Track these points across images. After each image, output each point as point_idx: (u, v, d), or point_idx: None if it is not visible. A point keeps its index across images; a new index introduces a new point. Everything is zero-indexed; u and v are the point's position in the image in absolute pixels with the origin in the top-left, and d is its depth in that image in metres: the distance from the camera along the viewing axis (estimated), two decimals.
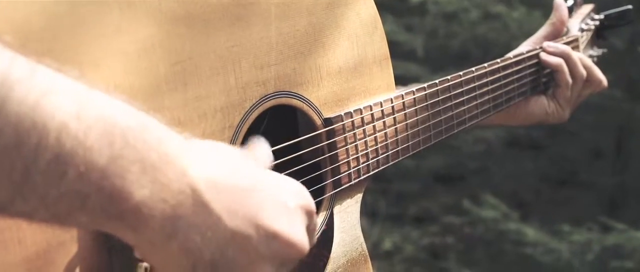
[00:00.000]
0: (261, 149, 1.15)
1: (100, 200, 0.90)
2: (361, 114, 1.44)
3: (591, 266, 4.68)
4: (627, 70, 5.39)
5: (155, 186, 0.93)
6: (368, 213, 5.90)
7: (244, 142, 1.29)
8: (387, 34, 5.41)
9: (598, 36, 2.26)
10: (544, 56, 1.91)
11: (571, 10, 2.16)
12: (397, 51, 5.81)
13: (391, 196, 5.99)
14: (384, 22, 5.11)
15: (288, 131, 1.37)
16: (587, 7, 2.24)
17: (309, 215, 1.08)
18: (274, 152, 1.32)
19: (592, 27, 2.16)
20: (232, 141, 1.25)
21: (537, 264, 4.72)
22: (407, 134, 1.54)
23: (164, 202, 0.94)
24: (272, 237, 1.01)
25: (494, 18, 5.59)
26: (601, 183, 5.50)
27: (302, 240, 1.04)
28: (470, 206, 4.71)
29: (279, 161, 1.32)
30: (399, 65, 5.59)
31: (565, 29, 2.06)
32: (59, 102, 0.88)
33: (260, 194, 1.02)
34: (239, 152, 1.08)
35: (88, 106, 0.90)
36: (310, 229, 1.09)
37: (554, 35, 2.00)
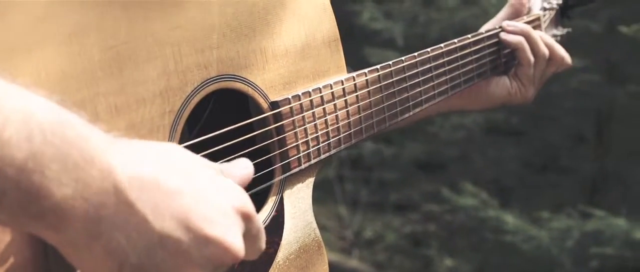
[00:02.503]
0: (239, 167, 1.12)
1: (18, 197, 0.87)
2: (310, 96, 1.41)
3: (571, 253, 4.68)
4: (605, 55, 5.38)
5: (77, 184, 0.90)
6: (349, 202, 5.90)
7: (185, 126, 1.26)
8: (367, 21, 5.36)
9: (563, 15, 2.24)
10: (503, 35, 1.89)
11: None
12: (376, 39, 5.80)
13: (372, 185, 5.99)
14: (363, 10, 5.05)
15: (235, 116, 1.35)
16: None
17: (247, 219, 1.03)
18: (220, 136, 1.30)
19: (555, 6, 2.14)
20: (173, 126, 1.22)
21: (517, 251, 4.72)
22: (360, 117, 1.51)
23: (86, 201, 0.91)
24: (204, 242, 0.97)
25: (472, 4, 5.58)
26: (582, 168, 5.50)
27: (236, 245, 1.00)
28: (450, 194, 4.70)
29: (224, 145, 1.30)
30: (378, 53, 5.58)
31: (527, 9, 2.04)
32: None
33: (192, 195, 0.98)
34: (180, 152, 1.05)
35: (5, 99, 0.88)
36: (252, 233, 1.05)
37: (514, 16, 1.98)
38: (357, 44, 5.87)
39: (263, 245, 1.07)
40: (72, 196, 0.89)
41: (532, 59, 1.89)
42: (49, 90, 1.04)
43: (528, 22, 1.97)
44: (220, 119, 1.33)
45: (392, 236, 5.55)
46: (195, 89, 1.25)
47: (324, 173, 6.02)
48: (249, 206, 1.04)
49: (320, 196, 6.06)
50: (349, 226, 5.77)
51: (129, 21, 1.16)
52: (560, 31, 2.21)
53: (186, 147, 1.19)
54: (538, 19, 2.03)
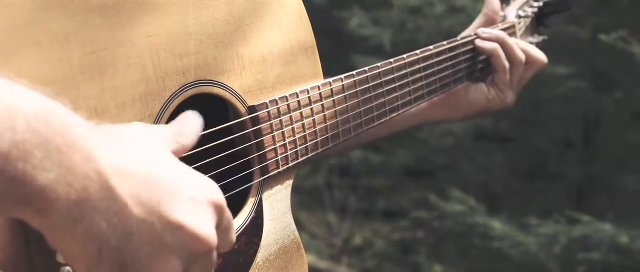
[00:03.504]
0: (189, 123, 1.15)
1: (4, 184, 0.91)
2: (287, 101, 1.45)
3: (558, 259, 4.71)
4: (591, 62, 5.43)
5: (60, 169, 0.94)
6: (338, 209, 5.93)
7: None
8: (355, 28, 5.38)
9: (539, 23, 2.28)
10: (478, 42, 1.93)
11: None
12: (365, 46, 5.84)
13: (361, 192, 6.02)
14: (352, 17, 5.09)
15: (215, 120, 1.38)
16: None
17: (219, 210, 1.07)
18: (199, 140, 1.33)
19: (530, 15, 2.18)
20: None
21: (506, 257, 4.76)
22: (337, 121, 1.55)
23: (69, 186, 0.94)
24: (176, 229, 1.01)
25: (459, 11, 5.62)
26: (570, 174, 5.54)
27: (209, 234, 1.04)
28: (438, 201, 4.74)
29: (203, 148, 1.33)
30: (366, 59, 5.62)
31: (501, 18, 2.08)
32: None
33: (167, 184, 1.02)
34: (155, 133, 1.09)
35: None
36: (224, 225, 1.09)
37: (489, 25, 2.02)
38: (345, 51, 5.91)
39: (233, 238, 1.11)
40: (55, 181, 0.93)
41: (507, 65, 1.93)
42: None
43: (503, 30, 2.01)
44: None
45: (381, 243, 5.58)
46: (173, 94, 1.29)
47: (313, 181, 6.05)
48: (222, 200, 1.09)
49: (309, 204, 6.08)
50: (338, 233, 5.80)
51: (109, 28, 1.20)
52: (536, 39, 2.25)
53: None
54: (513, 26, 2.08)
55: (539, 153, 5.62)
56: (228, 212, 1.09)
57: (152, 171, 1.02)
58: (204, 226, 1.04)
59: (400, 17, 5.59)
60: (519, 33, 2.11)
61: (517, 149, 5.70)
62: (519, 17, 2.14)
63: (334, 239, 5.80)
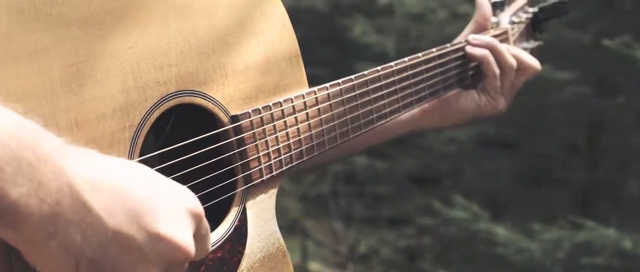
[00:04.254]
0: None
1: None
2: (270, 110, 1.46)
3: (562, 264, 4.71)
4: (594, 66, 5.42)
5: (32, 184, 0.96)
6: (343, 216, 5.93)
7: (150, 141, 1.31)
8: (359, 36, 5.39)
9: (535, 29, 2.28)
10: (468, 49, 1.94)
11: (503, 4, 2.19)
12: (368, 53, 5.85)
13: (366, 199, 6.03)
14: (355, 24, 5.09)
15: (198, 130, 1.40)
16: (521, 0, 2.27)
17: (197, 219, 1.10)
18: (183, 150, 1.35)
19: (524, 20, 2.18)
20: (133, 140, 1.27)
21: (509, 263, 4.75)
22: (322, 129, 1.57)
23: (41, 200, 0.96)
24: (156, 239, 1.04)
25: (462, 18, 5.63)
26: (575, 180, 5.54)
27: (187, 242, 1.06)
28: (441, 207, 4.74)
29: (186, 156, 1.35)
30: (370, 67, 5.62)
31: (494, 24, 2.09)
32: None
33: (144, 195, 1.05)
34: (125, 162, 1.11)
35: None
36: (201, 233, 1.11)
37: (480, 31, 2.03)
38: (349, 59, 5.92)
39: (209, 246, 1.13)
40: (27, 195, 0.95)
41: (497, 71, 1.93)
42: (10, 106, 1.09)
43: (495, 36, 2.02)
44: (183, 134, 1.38)
45: (386, 251, 5.58)
46: (154, 104, 1.31)
47: (318, 188, 6.06)
48: (200, 208, 1.11)
49: (314, 212, 6.10)
50: (343, 240, 5.81)
51: (88, 40, 1.22)
52: (531, 44, 2.25)
53: (146, 159, 1.25)
54: (505, 32, 2.08)
55: (543, 158, 5.61)
56: (205, 221, 1.11)
57: (127, 183, 1.04)
58: (182, 235, 1.06)
59: (403, 24, 5.60)
60: (512, 39, 2.11)
61: (521, 154, 5.69)
62: (513, 22, 2.14)
63: (339, 246, 5.81)
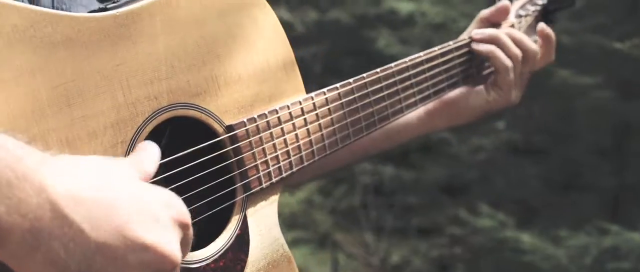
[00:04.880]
0: (146, 153, 1.18)
1: None
2: (266, 117, 1.47)
3: (589, 269, 4.68)
4: (617, 70, 5.39)
5: (11, 201, 0.98)
6: (374, 228, 5.93)
7: None
8: (383, 47, 5.41)
9: (546, 20, 2.25)
10: (474, 46, 1.91)
11: None
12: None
13: (396, 210, 6.02)
14: (378, 36, 5.11)
15: (194, 142, 1.40)
16: None
17: (183, 227, 1.10)
18: (177, 160, 1.36)
19: (531, 12, 2.16)
20: (126, 155, 1.28)
21: (537, 270, 4.73)
22: (321, 134, 1.56)
23: (22, 216, 0.98)
24: (141, 249, 1.04)
25: None
26: (603, 184, 5.49)
27: (173, 251, 1.07)
28: (468, 216, 4.73)
29: (182, 167, 1.36)
30: None
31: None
32: None
33: (128, 205, 1.05)
34: (114, 162, 1.12)
35: None
36: (187, 242, 1.12)
37: (486, 27, 2.00)
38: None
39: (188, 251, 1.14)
40: (7, 212, 0.97)
41: (508, 64, 1.89)
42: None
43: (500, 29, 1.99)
44: (179, 146, 1.39)
45: (418, 261, 5.56)
46: (146, 119, 1.32)
47: (348, 201, 6.06)
48: (186, 216, 1.11)
49: (345, 224, 6.09)
50: (375, 252, 5.80)
51: (74, 60, 1.23)
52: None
53: None
54: (512, 26, 2.06)
55: (571, 164, 5.57)
56: (191, 229, 1.11)
57: (110, 194, 1.05)
58: (168, 244, 1.06)
59: (425, 34, 5.61)
60: (519, 31, 2.09)
61: (550, 160, 5.66)
62: (519, 16, 2.12)
63: (371, 258, 5.80)
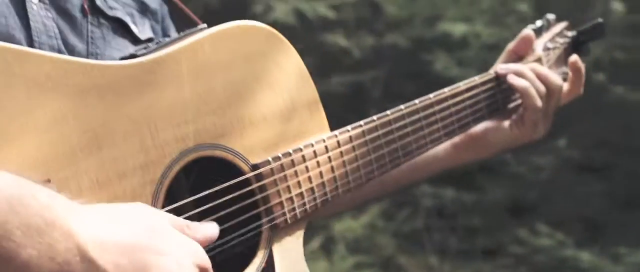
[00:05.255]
0: (203, 225, 1.30)
1: None
2: (291, 156, 1.54)
3: None
4: None
5: (41, 246, 1.09)
6: (438, 251, 5.94)
7: (167, 195, 1.41)
8: (441, 70, 5.43)
9: (578, 52, 2.27)
10: (510, 78, 1.93)
11: (541, 30, 2.20)
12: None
13: (459, 232, 6.02)
14: (435, 59, 5.15)
15: (221, 180, 1.49)
16: (560, 25, 2.27)
17: (203, 270, 1.22)
18: (207, 198, 1.45)
19: (559, 45, 2.18)
20: (155, 195, 1.37)
21: None
22: (346, 170, 1.63)
23: (51, 260, 1.09)
24: None
25: None
26: None
27: None
28: (528, 236, 4.72)
29: (208, 205, 1.44)
30: None
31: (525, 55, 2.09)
32: None
33: (153, 249, 1.17)
34: (154, 211, 1.22)
35: None
36: None
37: (514, 61, 2.04)
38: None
39: None
40: (38, 256, 1.08)
41: (538, 104, 1.92)
42: (34, 173, 1.21)
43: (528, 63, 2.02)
44: (206, 184, 1.47)
45: None
46: (174, 159, 1.40)
47: (411, 224, 6.08)
48: (206, 261, 1.21)
49: (409, 248, 6.11)
50: None
51: (104, 106, 1.33)
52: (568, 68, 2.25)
53: (168, 211, 1.35)
54: (539, 59, 2.09)
55: (633, 180, 5.51)
56: None
57: (134, 239, 1.16)
58: None
59: (480, 55, 5.62)
60: (546, 65, 2.11)
61: (613, 177, 5.61)
62: (547, 49, 2.15)
63: None
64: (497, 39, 5.37)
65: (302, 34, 5.96)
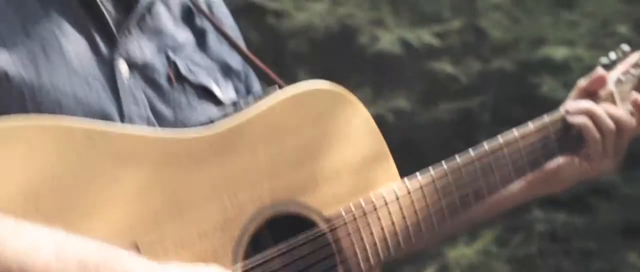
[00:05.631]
0: None
1: None
2: (362, 206, 1.64)
3: None
4: None
5: None
6: None
7: (247, 251, 1.53)
8: (548, 93, 5.40)
9: None
10: (569, 117, 2.00)
11: (615, 63, 2.21)
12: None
13: (574, 256, 5.96)
14: (542, 82, 5.14)
15: (295, 233, 1.60)
16: (635, 56, 2.26)
17: None
18: (281, 253, 1.56)
19: (632, 77, 2.18)
20: (235, 251, 1.50)
21: None
22: (417, 218, 1.71)
23: None
24: None
25: None
26: None
27: None
28: (637, 259, 4.65)
29: (286, 260, 1.56)
30: None
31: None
32: (41, 247, 1.20)
33: None
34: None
35: (65, 248, 1.23)
36: None
37: (585, 97, 2.07)
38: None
39: None
40: None
41: (598, 136, 1.97)
42: (121, 239, 1.36)
43: (598, 98, 2.05)
44: (283, 238, 1.59)
45: None
46: (251, 217, 1.53)
47: (526, 250, 6.06)
48: None
49: None
50: None
51: (184, 174, 1.47)
52: None
53: (249, 268, 1.48)
54: (611, 94, 2.10)
55: None
56: None
57: None
58: None
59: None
60: (618, 98, 2.12)
61: None
62: (620, 81, 2.15)
63: None
64: (594, 60, 5.33)
65: (408, 62, 6.04)
